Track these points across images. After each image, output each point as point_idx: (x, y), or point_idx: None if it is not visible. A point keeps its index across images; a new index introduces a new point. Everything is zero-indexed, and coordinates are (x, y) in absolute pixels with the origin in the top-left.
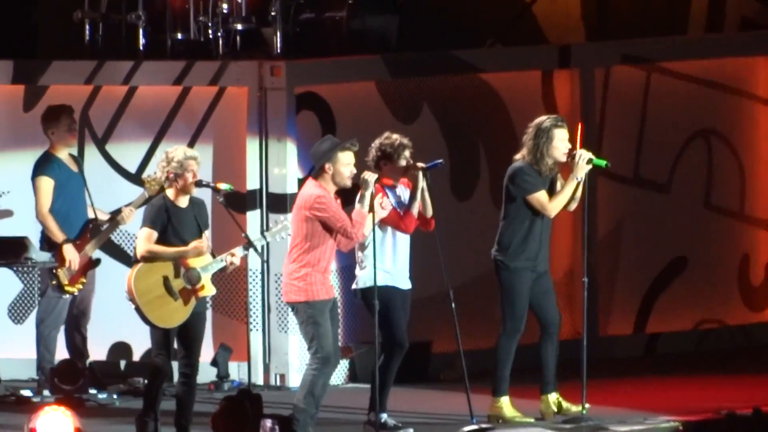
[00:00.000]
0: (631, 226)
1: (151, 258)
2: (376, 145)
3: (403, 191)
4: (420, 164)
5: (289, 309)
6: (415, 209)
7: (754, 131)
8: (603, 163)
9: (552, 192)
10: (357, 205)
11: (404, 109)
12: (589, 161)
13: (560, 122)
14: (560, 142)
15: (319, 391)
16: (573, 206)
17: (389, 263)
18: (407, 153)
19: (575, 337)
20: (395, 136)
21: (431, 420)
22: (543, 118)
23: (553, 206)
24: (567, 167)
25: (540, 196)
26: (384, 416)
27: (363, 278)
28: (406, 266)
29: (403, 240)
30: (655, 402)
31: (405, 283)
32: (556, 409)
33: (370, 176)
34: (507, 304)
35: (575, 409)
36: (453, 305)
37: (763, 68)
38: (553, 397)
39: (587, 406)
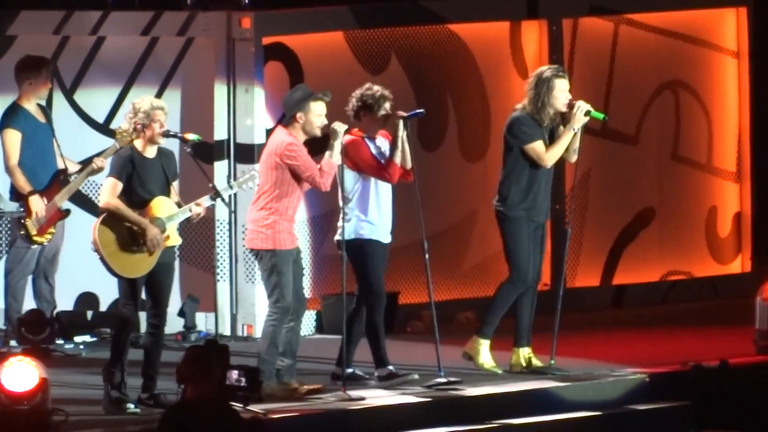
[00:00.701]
0: (599, 178)
1: (115, 212)
2: (357, 95)
3: (383, 142)
4: (400, 113)
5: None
6: (398, 158)
7: (722, 83)
8: (601, 116)
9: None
10: (326, 155)
11: (372, 59)
12: (587, 113)
13: (561, 72)
14: (560, 92)
15: (283, 340)
16: (573, 158)
17: (374, 215)
18: (387, 105)
19: (543, 288)
20: (376, 87)
21: (398, 372)
22: (544, 68)
23: (549, 156)
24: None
25: (536, 146)
26: (390, 368)
27: (347, 230)
28: (389, 219)
29: (386, 192)
30: (622, 354)
31: (387, 237)
32: (525, 364)
33: (340, 126)
34: (510, 254)
35: (541, 363)
36: (427, 257)
37: (731, 20)
38: (524, 352)
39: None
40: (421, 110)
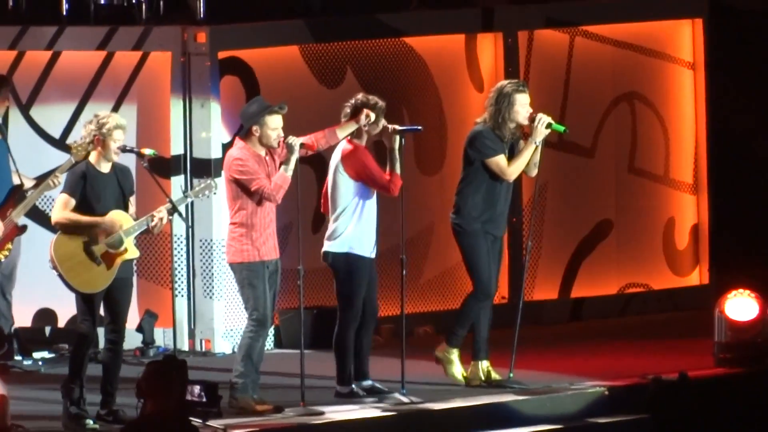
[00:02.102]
0: (556, 190)
1: (67, 224)
2: (357, 101)
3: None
4: (396, 126)
5: (214, 274)
6: (398, 170)
7: (678, 95)
8: (562, 128)
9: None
10: (281, 168)
11: (328, 73)
12: (548, 126)
13: (521, 87)
14: (522, 106)
15: (257, 354)
16: (534, 172)
17: (361, 229)
18: (382, 115)
19: (500, 302)
20: (372, 97)
21: (359, 392)
22: (505, 82)
23: (511, 170)
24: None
25: (499, 160)
26: (353, 387)
27: (337, 242)
28: (374, 233)
29: (372, 206)
30: (581, 367)
31: (373, 251)
32: (483, 377)
33: (295, 141)
34: (471, 268)
35: (499, 377)
36: (404, 272)
37: (686, 31)
38: (483, 365)
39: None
40: (419, 126)
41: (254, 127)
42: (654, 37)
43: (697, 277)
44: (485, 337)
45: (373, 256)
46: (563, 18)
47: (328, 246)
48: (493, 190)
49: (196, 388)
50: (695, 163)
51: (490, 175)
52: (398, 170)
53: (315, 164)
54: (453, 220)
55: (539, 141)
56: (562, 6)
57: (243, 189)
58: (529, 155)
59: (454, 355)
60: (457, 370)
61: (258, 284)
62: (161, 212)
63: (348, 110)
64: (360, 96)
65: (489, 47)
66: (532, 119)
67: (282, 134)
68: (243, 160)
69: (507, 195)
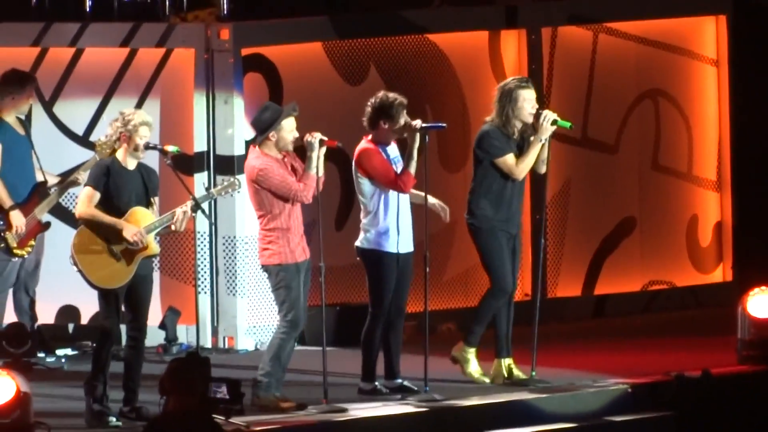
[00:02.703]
0: (580, 187)
1: (90, 220)
2: (375, 104)
3: (394, 149)
4: (420, 123)
5: (237, 271)
6: (413, 168)
7: (702, 92)
8: (567, 124)
9: None
10: (305, 168)
11: (351, 70)
12: (554, 122)
13: (524, 83)
14: (526, 102)
15: (286, 355)
16: (543, 168)
17: (392, 225)
18: (404, 112)
19: (524, 299)
20: (392, 94)
21: (383, 390)
22: (508, 79)
23: (520, 169)
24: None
25: (507, 159)
26: (376, 384)
27: (366, 239)
28: (410, 228)
29: (405, 201)
30: (604, 364)
31: (406, 246)
32: (506, 374)
33: (314, 138)
34: (488, 266)
35: (524, 375)
36: (427, 269)
37: (710, 28)
38: (506, 362)
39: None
40: (443, 123)
41: (271, 134)
42: (678, 34)
43: (720, 274)
44: (506, 335)
45: (404, 251)
46: (587, 14)
47: (357, 242)
48: (504, 189)
49: (219, 386)
50: (719, 160)
51: (500, 174)
52: (412, 168)
53: (337, 161)
54: (468, 219)
55: (545, 138)
56: (586, 2)
57: (274, 195)
58: (536, 152)
59: (471, 354)
60: (474, 369)
61: (294, 286)
62: (184, 207)
63: (369, 110)
64: (380, 95)
65: (512, 44)
66: (537, 116)
67: (297, 134)
68: (267, 168)
69: (521, 192)
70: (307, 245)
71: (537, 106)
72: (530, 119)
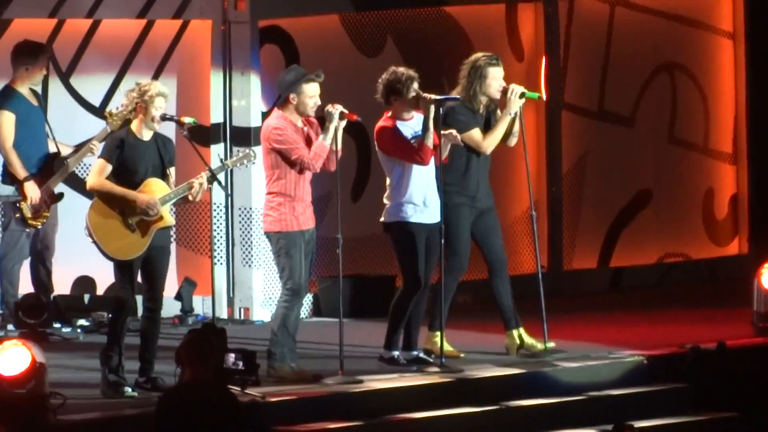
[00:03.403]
0: (596, 160)
1: (101, 191)
2: (384, 80)
3: (419, 122)
4: (432, 96)
5: (252, 243)
6: (430, 141)
7: (718, 65)
8: (536, 95)
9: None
10: (320, 137)
11: (368, 42)
12: (522, 95)
13: (494, 60)
14: (494, 80)
15: (292, 323)
16: (513, 141)
17: (418, 196)
18: (415, 85)
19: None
20: (401, 69)
21: (401, 360)
22: (478, 55)
23: (487, 143)
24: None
25: (474, 134)
26: (395, 353)
27: (390, 212)
28: (436, 198)
29: (429, 172)
30: (620, 336)
31: (434, 217)
32: (519, 343)
33: (334, 109)
34: (449, 241)
35: (540, 345)
36: (442, 240)
37: (726, 1)
38: (515, 333)
39: (550, 344)
40: (457, 96)
41: (291, 96)
42: (694, 7)
43: (736, 246)
44: (509, 306)
45: (432, 221)
46: None
47: (382, 217)
48: (472, 163)
49: (234, 356)
50: (734, 133)
51: (467, 149)
52: (429, 140)
53: (355, 133)
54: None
55: (514, 111)
56: None
57: (282, 158)
58: (505, 126)
59: (436, 337)
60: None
61: (295, 253)
62: (200, 178)
63: (381, 88)
64: (389, 71)
65: (529, 17)
66: (504, 91)
67: (319, 102)
68: (281, 129)
69: (485, 167)
70: (313, 214)
71: (504, 84)
72: (497, 95)
